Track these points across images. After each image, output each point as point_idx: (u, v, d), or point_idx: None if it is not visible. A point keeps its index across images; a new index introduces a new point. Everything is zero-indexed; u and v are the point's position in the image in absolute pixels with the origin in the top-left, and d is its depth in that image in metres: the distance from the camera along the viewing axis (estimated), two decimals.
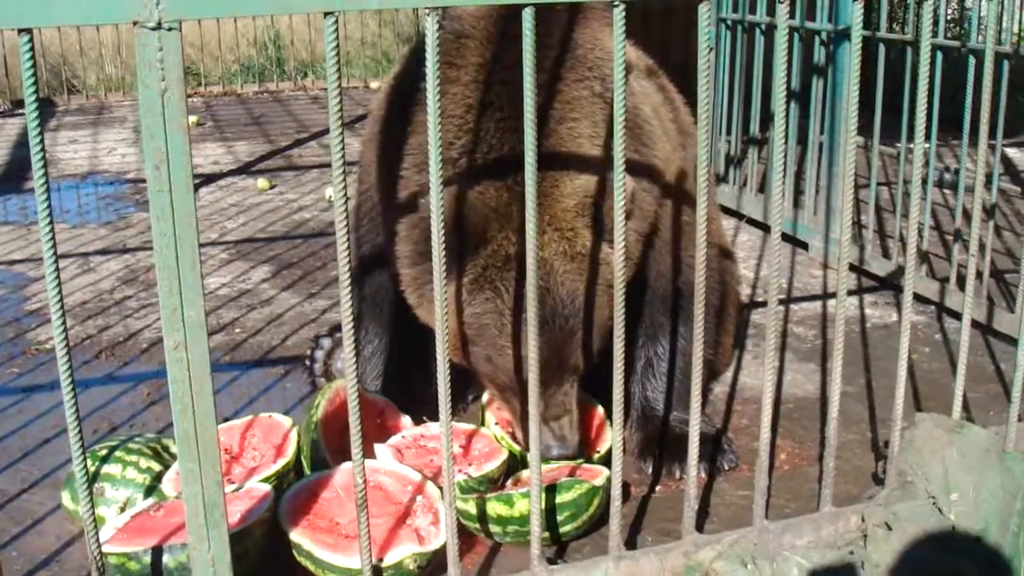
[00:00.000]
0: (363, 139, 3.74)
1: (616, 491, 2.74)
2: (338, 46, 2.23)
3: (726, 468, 3.51)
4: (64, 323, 2.23)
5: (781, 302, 5.06)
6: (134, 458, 3.21)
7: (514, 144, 3.08)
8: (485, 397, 3.60)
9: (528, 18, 2.33)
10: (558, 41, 3.24)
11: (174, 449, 3.31)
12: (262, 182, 7.82)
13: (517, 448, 3.37)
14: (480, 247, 3.06)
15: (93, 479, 3.08)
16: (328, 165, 8.43)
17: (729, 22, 6.46)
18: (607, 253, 3.11)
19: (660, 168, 3.37)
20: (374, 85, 12.62)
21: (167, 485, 3.12)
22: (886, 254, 5.50)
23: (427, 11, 2.26)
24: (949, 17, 9.46)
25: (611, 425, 3.16)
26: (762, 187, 6.46)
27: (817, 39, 5.70)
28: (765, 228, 6.28)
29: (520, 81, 3.10)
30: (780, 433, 3.77)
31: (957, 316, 4.81)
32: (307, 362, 4.15)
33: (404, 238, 3.20)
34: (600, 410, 3.55)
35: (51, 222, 2.19)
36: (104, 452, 3.22)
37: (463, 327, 3.12)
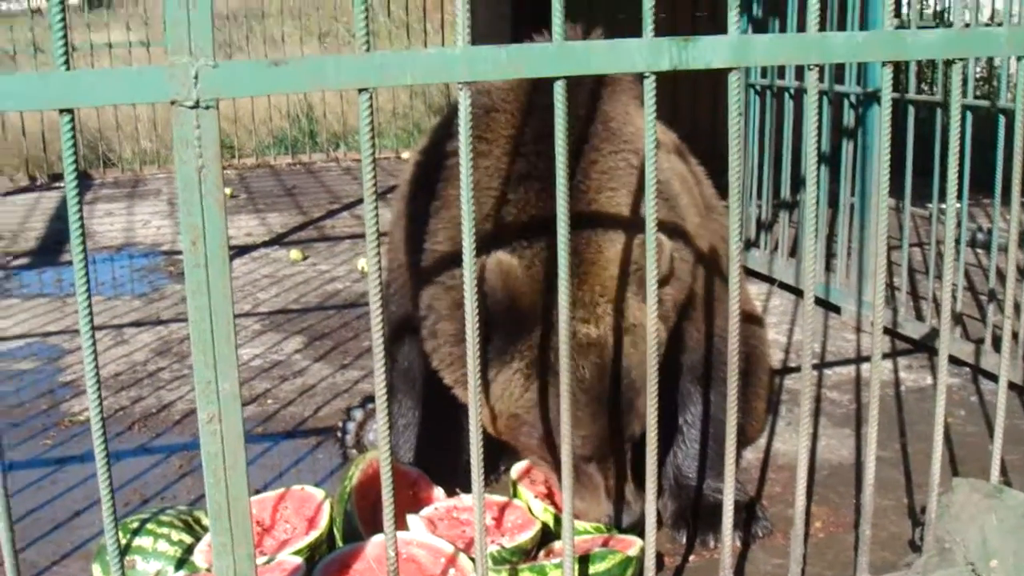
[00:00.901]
0: (392, 215, 3.76)
1: (650, 562, 2.71)
2: (372, 120, 2.25)
3: (760, 536, 3.47)
4: (100, 396, 2.24)
5: (814, 367, 5.03)
6: (165, 530, 3.20)
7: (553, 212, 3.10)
8: (515, 471, 3.58)
9: (559, 90, 2.35)
10: (590, 113, 3.27)
11: (206, 521, 3.30)
12: (295, 253, 7.88)
13: (552, 513, 3.34)
14: (531, 329, 3.05)
15: (124, 552, 3.08)
16: (360, 236, 8.49)
17: (758, 87, 6.50)
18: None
19: (692, 237, 3.38)
20: (405, 155, 12.73)
21: (199, 557, 3.11)
22: (919, 316, 5.47)
23: (460, 85, 2.28)
24: (978, 76, 9.47)
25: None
26: (793, 251, 6.46)
27: (846, 102, 5.72)
28: (797, 292, 6.26)
29: (549, 152, 3.13)
30: (815, 500, 3.73)
31: (992, 378, 4.76)
32: (339, 433, 4.15)
33: (447, 316, 3.18)
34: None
35: (89, 296, 2.21)
36: (135, 524, 3.22)
37: (520, 409, 3.13)
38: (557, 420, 3.06)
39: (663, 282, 3.10)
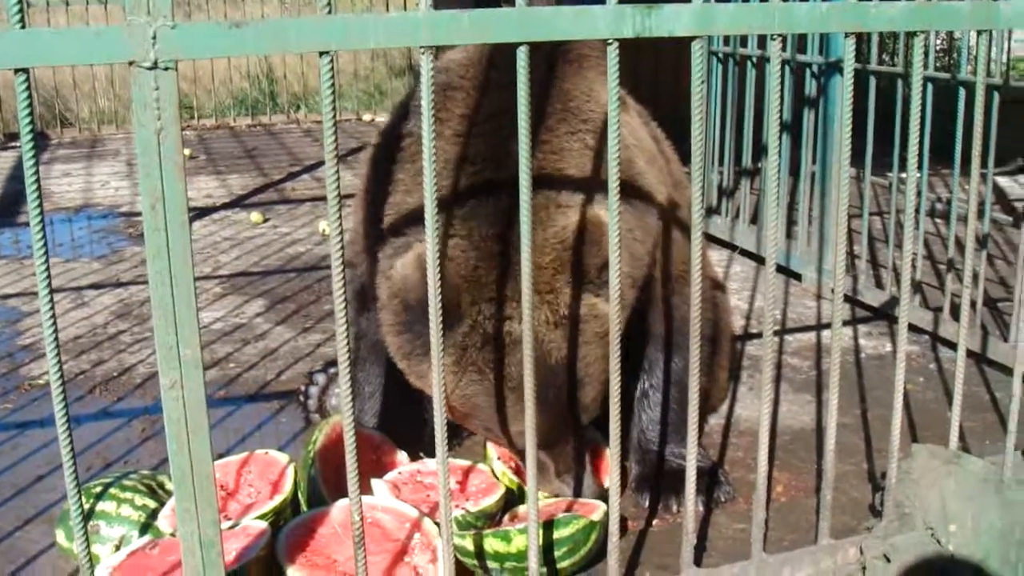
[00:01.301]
0: (364, 177, 3.72)
1: (614, 526, 2.73)
2: (334, 83, 2.23)
3: (723, 501, 3.50)
4: (59, 360, 2.22)
5: (775, 333, 5.06)
6: (129, 495, 3.19)
7: (484, 199, 3.02)
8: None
9: (522, 56, 2.34)
10: (547, 90, 3.20)
11: (169, 485, 3.30)
12: (255, 216, 7.83)
13: (516, 482, 3.36)
14: (456, 324, 2.97)
15: (88, 517, 3.07)
16: (321, 199, 8.45)
17: (721, 55, 6.50)
18: (592, 304, 3.05)
19: (653, 212, 3.35)
20: (366, 117, 12.68)
21: (163, 521, 3.10)
22: (879, 284, 5.51)
23: (422, 50, 2.27)
24: (938, 48, 9.51)
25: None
26: (755, 218, 6.49)
27: (808, 71, 5.73)
28: (758, 259, 6.30)
29: (499, 132, 3.05)
30: (776, 465, 3.77)
31: (950, 345, 4.81)
32: (301, 398, 4.14)
33: (385, 306, 3.14)
34: (602, 445, 3.54)
35: (47, 259, 2.18)
36: (99, 489, 3.21)
37: (453, 404, 3.10)
38: (490, 414, 3.07)
39: (606, 265, 3.04)
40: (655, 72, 9.07)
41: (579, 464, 3.24)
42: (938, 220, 6.96)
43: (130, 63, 2.07)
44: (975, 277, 4.49)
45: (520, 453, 3.19)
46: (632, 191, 3.23)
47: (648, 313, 3.50)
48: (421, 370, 3.13)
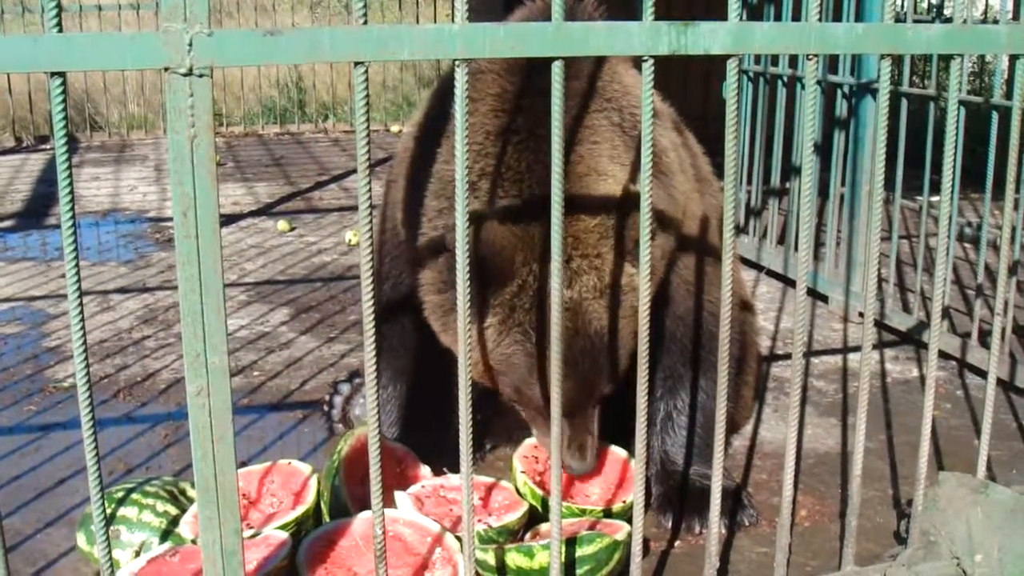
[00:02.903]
0: (387, 179, 3.74)
1: (636, 547, 2.70)
2: (368, 94, 2.23)
3: (746, 524, 3.47)
4: (87, 364, 2.21)
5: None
6: (151, 501, 3.19)
7: (531, 164, 3.08)
8: (520, 449, 3.59)
9: (557, 71, 2.33)
10: (577, 72, 3.24)
11: (191, 492, 3.30)
12: (282, 224, 7.85)
13: (539, 495, 3.34)
14: (505, 283, 3.03)
15: (109, 521, 3.06)
16: (348, 208, 8.47)
17: (751, 73, 6.48)
18: (632, 274, 3.09)
19: (678, 198, 3.36)
20: (395, 128, 12.70)
21: (184, 528, 3.10)
22: (906, 308, 5.47)
23: (457, 63, 2.26)
24: (969, 70, 9.46)
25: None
26: (782, 238, 6.45)
27: (839, 92, 5.71)
28: (785, 280, 6.26)
29: (534, 107, 3.11)
30: (800, 489, 3.74)
31: (978, 372, 4.78)
32: (325, 408, 4.14)
33: (428, 266, 3.19)
34: (625, 459, 3.52)
35: (77, 264, 2.18)
36: (120, 494, 3.21)
37: (491, 362, 3.12)
38: (525, 375, 3.08)
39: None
40: (684, 88, 9.06)
41: (591, 436, 3.25)
42: (966, 244, 6.91)
43: (165, 69, 2.07)
44: (1004, 305, 4.44)
45: (543, 416, 3.20)
46: (658, 171, 3.27)
47: (672, 318, 3.48)
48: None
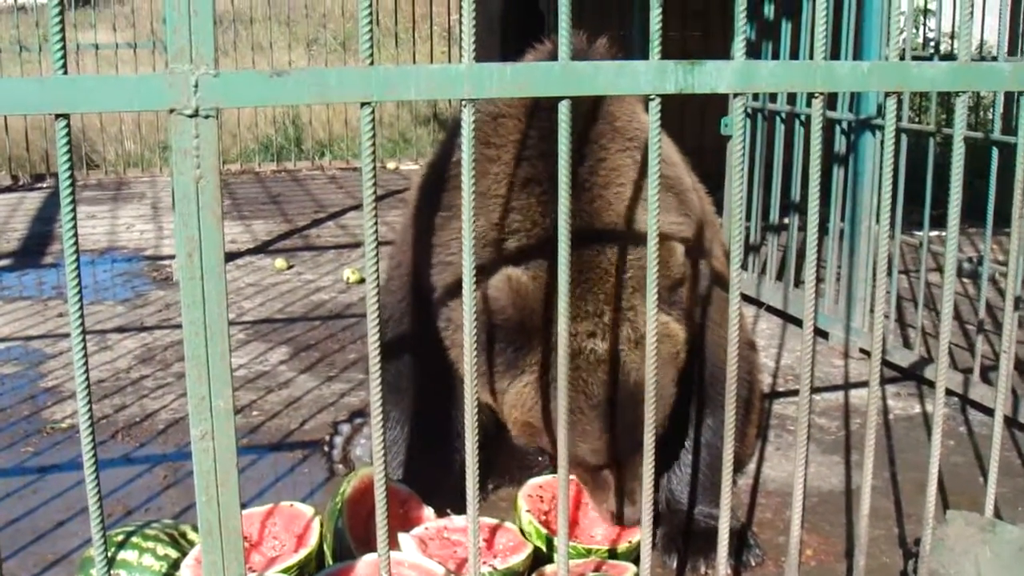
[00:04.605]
0: (405, 220, 3.73)
1: None
2: (374, 134, 2.22)
3: (752, 564, 3.44)
4: (90, 406, 2.19)
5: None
6: (151, 544, 3.16)
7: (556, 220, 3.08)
8: (525, 488, 3.56)
9: (564, 110, 2.32)
10: (595, 111, 3.24)
11: (192, 535, 3.26)
12: (280, 262, 7.83)
13: (544, 534, 3.31)
14: (544, 341, 3.02)
15: (109, 565, 3.03)
16: (345, 246, 8.46)
17: (749, 110, 6.49)
18: (664, 323, 3.08)
19: (704, 243, 3.37)
20: (391, 166, 12.70)
21: (186, 572, 3.06)
22: (907, 344, 5.46)
23: (464, 103, 2.25)
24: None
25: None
26: (780, 274, 6.44)
27: (838, 128, 5.71)
28: (784, 316, 6.24)
29: (558, 153, 3.13)
30: (805, 528, 3.69)
31: (981, 408, 4.75)
32: (325, 448, 4.10)
33: (460, 328, 3.17)
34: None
35: (81, 306, 2.16)
36: (121, 537, 3.17)
37: (531, 419, 3.12)
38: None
39: (680, 283, 3.07)
40: (680, 123, 9.07)
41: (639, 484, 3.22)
42: (964, 280, 6.90)
43: (171, 111, 2.06)
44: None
45: (589, 470, 3.23)
46: (687, 210, 3.31)
47: (705, 349, 3.47)
48: (500, 387, 3.16)
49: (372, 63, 2.18)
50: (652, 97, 2.39)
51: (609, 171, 3.16)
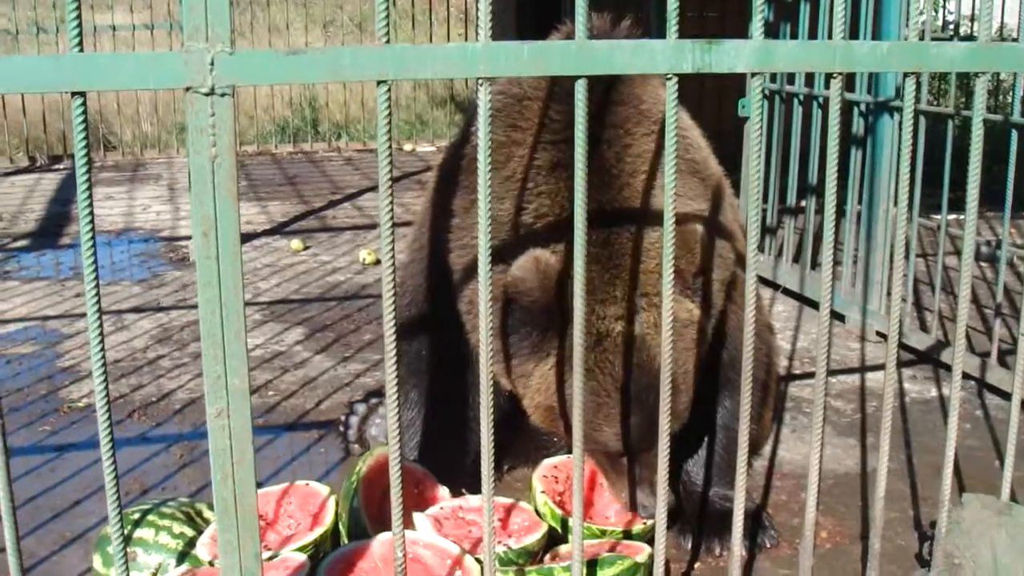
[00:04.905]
0: (423, 205, 3.72)
1: (659, 569, 2.68)
2: (390, 113, 2.21)
3: (767, 546, 3.44)
4: (106, 385, 2.19)
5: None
6: (167, 523, 3.17)
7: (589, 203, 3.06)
8: (540, 469, 3.56)
9: (580, 89, 2.31)
10: (623, 97, 3.22)
11: (207, 514, 3.28)
12: (296, 243, 7.84)
13: (559, 515, 3.31)
14: (568, 323, 2.98)
15: (125, 543, 3.04)
16: (362, 227, 8.46)
17: (767, 91, 6.46)
18: (689, 309, 3.09)
19: (735, 229, 3.35)
20: (407, 147, 12.70)
21: (201, 550, 3.07)
22: (924, 327, 5.44)
23: (480, 81, 2.25)
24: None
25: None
26: (797, 257, 6.42)
27: (856, 110, 5.68)
28: (801, 299, 6.23)
29: (587, 138, 3.11)
30: (820, 510, 3.69)
31: (998, 392, 4.74)
32: (341, 428, 4.11)
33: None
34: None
35: (97, 284, 2.16)
36: (137, 516, 3.19)
37: (555, 403, 3.11)
38: (591, 415, 3.05)
39: (702, 270, 3.06)
40: (699, 105, 9.04)
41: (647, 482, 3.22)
42: (982, 263, 6.87)
43: (187, 89, 2.05)
44: None
45: (608, 457, 3.21)
46: (713, 195, 3.29)
47: (726, 333, 3.46)
48: (524, 370, 3.13)
49: (388, 42, 2.17)
50: (669, 76, 2.38)
51: (635, 157, 3.13)
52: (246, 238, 8.03)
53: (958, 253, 3.56)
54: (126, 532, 3.07)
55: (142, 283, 6.80)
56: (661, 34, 2.38)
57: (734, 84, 6.33)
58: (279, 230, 8.45)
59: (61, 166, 11.44)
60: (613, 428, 3.07)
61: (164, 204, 9.43)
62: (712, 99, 9.05)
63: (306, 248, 7.81)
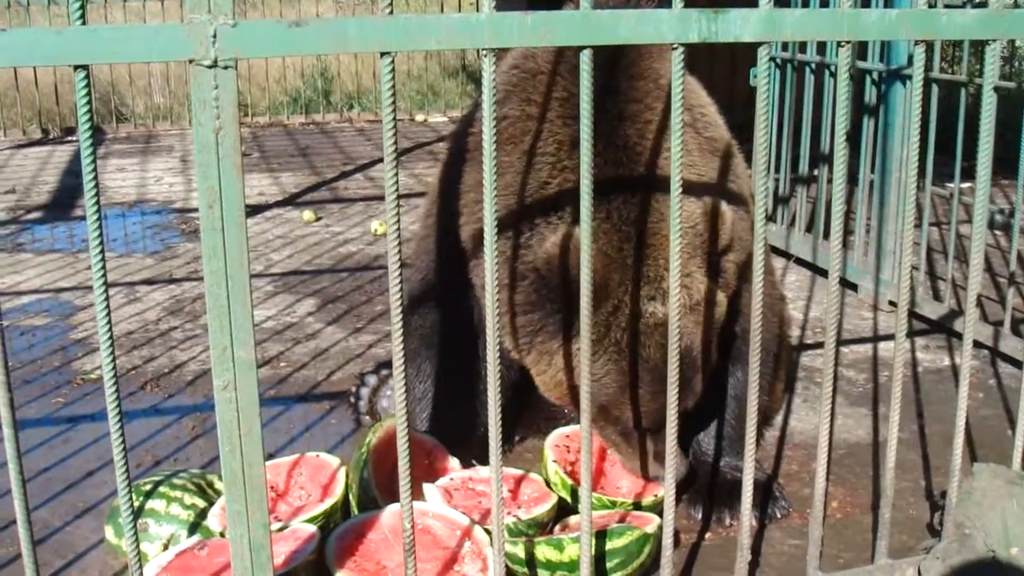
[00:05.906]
0: (436, 178, 3.70)
1: (668, 539, 2.68)
2: (394, 84, 2.20)
3: (778, 516, 3.43)
4: (113, 357, 2.20)
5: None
6: (179, 494, 3.19)
7: (614, 180, 3.02)
8: (551, 438, 3.57)
9: (586, 60, 2.30)
10: (642, 71, 3.19)
11: (219, 485, 3.29)
12: (308, 214, 7.84)
13: (570, 484, 3.31)
14: (601, 302, 2.97)
15: (137, 514, 3.06)
16: (374, 198, 8.45)
17: (779, 60, 6.41)
18: (712, 289, 3.09)
19: (748, 197, 3.33)
20: (419, 118, 12.67)
21: (212, 521, 3.09)
22: (937, 296, 5.41)
23: (484, 52, 2.23)
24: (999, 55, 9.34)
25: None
26: (810, 226, 6.39)
27: (868, 78, 5.64)
28: (813, 268, 6.20)
29: (607, 113, 3.04)
30: (831, 480, 3.69)
31: (1011, 360, 4.72)
32: (352, 399, 4.12)
33: (508, 286, 3.12)
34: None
35: (103, 255, 2.16)
36: (148, 487, 3.21)
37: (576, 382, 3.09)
38: (616, 394, 3.04)
39: (726, 250, 3.05)
40: (710, 75, 8.99)
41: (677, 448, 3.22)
42: (997, 232, 6.82)
43: (190, 61, 2.05)
44: None
45: (639, 434, 3.21)
46: (732, 172, 3.27)
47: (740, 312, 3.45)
48: (548, 347, 3.11)
49: (392, 12, 2.16)
50: (675, 46, 2.36)
51: (657, 133, 3.10)
52: (258, 209, 8.04)
53: (972, 221, 3.53)
54: (138, 503, 3.10)
55: (154, 255, 6.82)
56: (670, 4, 2.36)
57: (746, 53, 6.27)
58: (291, 201, 8.45)
59: (74, 138, 11.44)
60: (639, 407, 3.06)
61: (176, 176, 9.43)
62: (725, 68, 9.00)
63: (318, 219, 7.81)
